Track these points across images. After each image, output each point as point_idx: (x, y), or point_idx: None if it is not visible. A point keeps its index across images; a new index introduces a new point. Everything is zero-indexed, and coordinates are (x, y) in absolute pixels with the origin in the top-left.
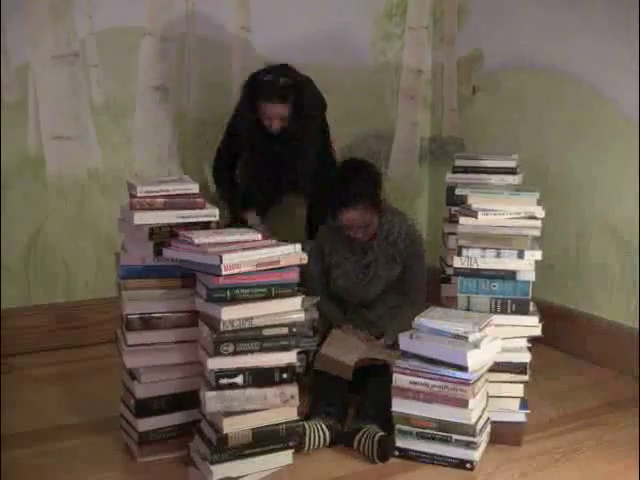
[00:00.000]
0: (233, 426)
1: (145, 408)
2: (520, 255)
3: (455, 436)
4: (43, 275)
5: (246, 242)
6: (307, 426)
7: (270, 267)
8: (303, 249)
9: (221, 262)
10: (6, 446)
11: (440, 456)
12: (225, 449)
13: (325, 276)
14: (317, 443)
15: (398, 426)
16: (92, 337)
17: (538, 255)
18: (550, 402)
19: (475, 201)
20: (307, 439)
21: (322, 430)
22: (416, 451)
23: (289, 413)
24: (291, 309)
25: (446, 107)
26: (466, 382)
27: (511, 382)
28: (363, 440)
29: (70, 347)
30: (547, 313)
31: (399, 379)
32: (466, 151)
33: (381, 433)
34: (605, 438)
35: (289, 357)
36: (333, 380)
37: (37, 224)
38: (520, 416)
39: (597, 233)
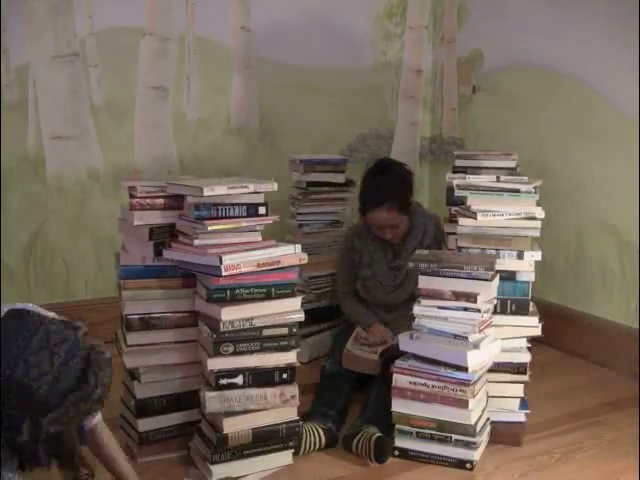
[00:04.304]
0: (233, 426)
1: (145, 408)
2: (520, 256)
3: (455, 436)
4: (43, 275)
5: (246, 243)
6: (304, 429)
7: (270, 267)
8: None
9: (221, 263)
10: None
11: (440, 456)
12: (225, 449)
13: (355, 275)
14: (312, 446)
15: (398, 426)
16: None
17: (538, 256)
18: (550, 402)
19: (474, 202)
20: (303, 442)
21: (318, 433)
22: (416, 451)
23: (289, 413)
24: (291, 309)
25: (446, 107)
26: (466, 382)
27: (511, 382)
28: (360, 443)
29: None
30: (547, 313)
31: (399, 379)
32: (466, 150)
33: (378, 434)
34: (605, 438)
35: (289, 357)
36: (337, 383)
37: (37, 224)
38: (520, 416)
39: (597, 233)
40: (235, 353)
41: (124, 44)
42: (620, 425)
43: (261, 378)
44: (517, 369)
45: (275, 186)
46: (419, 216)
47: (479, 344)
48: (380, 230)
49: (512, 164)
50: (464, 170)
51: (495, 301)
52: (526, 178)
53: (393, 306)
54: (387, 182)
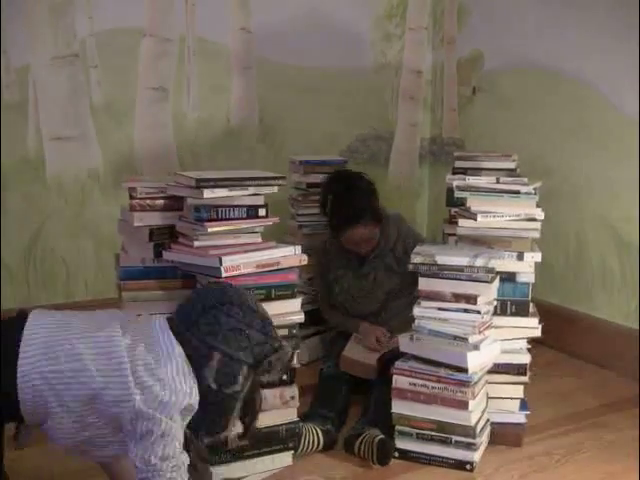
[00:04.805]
0: (233, 428)
1: None
2: (520, 257)
3: (455, 437)
4: (43, 275)
5: (246, 244)
6: (304, 429)
7: (270, 269)
8: None
9: (221, 264)
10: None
11: (440, 457)
12: (225, 450)
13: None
14: (311, 447)
15: (398, 427)
16: None
17: (538, 257)
18: (550, 403)
19: (474, 204)
20: (301, 442)
21: (317, 434)
22: (416, 452)
23: (289, 414)
24: (291, 310)
25: (446, 108)
26: (466, 384)
27: (511, 383)
28: (363, 445)
29: None
30: (547, 314)
31: (399, 380)
32: (466, 151)
33: (380, 437)
34: (605, 439)
35: None
36: (336, 385)
37: (37, 224)
38: (520, 417)
39: (597, 233)
40: None
41: (124, 45)
42: (620, 426)
43: None
44: (517, 370)
45: (275, 188)
46: (384, 221)
47: (479, 345)
48: (356, 245)
49: (512, 165)
50: (464, 171)
51: (495, 302)
52: (526, 179)
53: (366, 316)
54: (357, 198)
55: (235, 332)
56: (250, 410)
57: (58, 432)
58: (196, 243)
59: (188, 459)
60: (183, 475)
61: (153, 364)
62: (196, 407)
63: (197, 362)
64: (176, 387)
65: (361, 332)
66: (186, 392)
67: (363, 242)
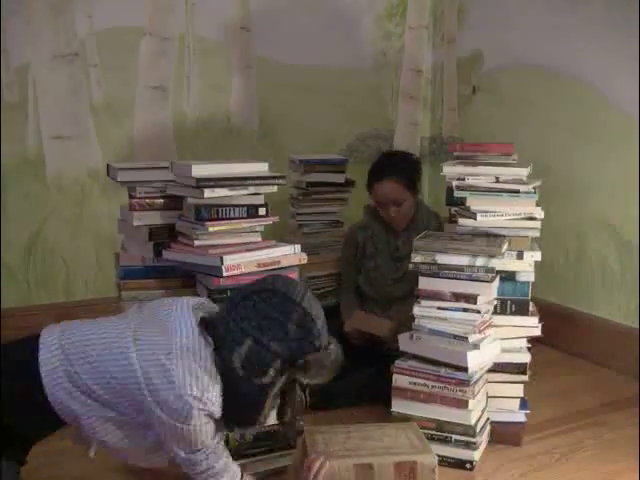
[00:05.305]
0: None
1: None
2: (519, 256)
3: (455, 436)
4: (43, 275)
5: (246, 243)
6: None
7: (271, 267)
8: None
9: (222, 263)
10: None
11: (440, 456)
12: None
13: (357, 267)
14: None
15: None
16: None
17: (537, 256)
18: (550, 402)
19: (474, 203)
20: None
21: None
22: None
23: (289, 413)
24: None
25: (446, 107)
26: (466, 383)
27: (511, 382)
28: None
29: None
30: (547, 313)
31: (399, 379)
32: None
33: None
34: (605, 438)
35: None
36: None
37: (37, 224)
38: (520, 416)
39: (597, 233)
40: None
41: (124, 44)
42: (620, 425)
43: None
44: (517, 369)
45: (275, 187)
46: (423, 210)
47: (479, 344)
48: (385, 207)
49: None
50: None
51: (495, 301)
52: (525, 178)
53: (393, 300)
54: (395, 159)
55: (270, 321)
56: (286, 410)
57: (96, 432)
58: (196, 242)
59: (223, 447)
60: (220, 462)
61: (164, 359)
62: (216, 414)
63: (229, 345)
64: (186, 392)
65: (355, 317)
66: (196, 397)
67: (392, 204)
